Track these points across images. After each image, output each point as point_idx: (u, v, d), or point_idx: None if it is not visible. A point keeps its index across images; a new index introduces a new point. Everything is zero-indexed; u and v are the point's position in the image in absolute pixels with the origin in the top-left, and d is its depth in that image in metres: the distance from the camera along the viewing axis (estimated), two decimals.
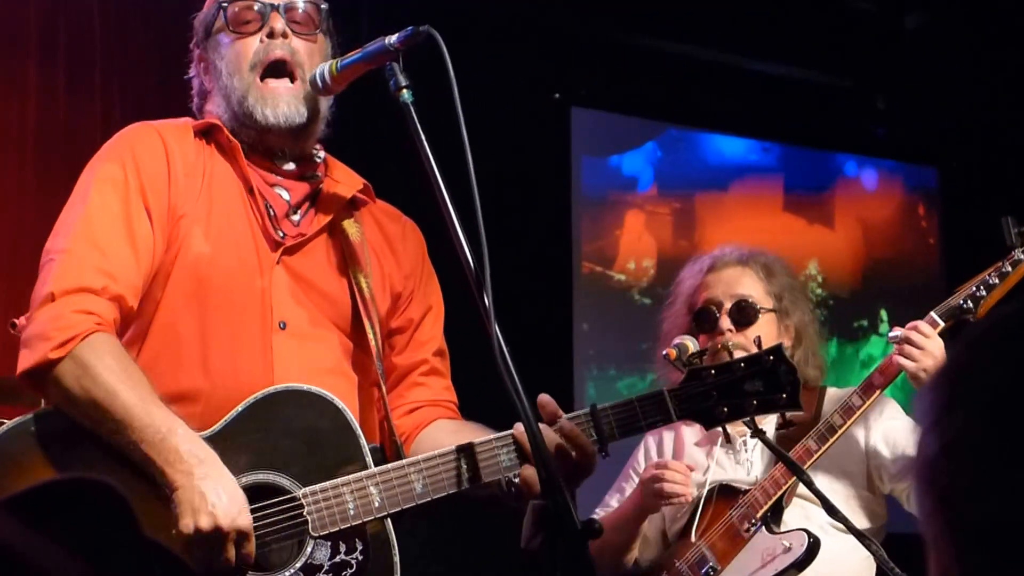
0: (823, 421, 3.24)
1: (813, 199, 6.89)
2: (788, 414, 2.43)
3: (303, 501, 2.26)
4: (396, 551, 2.31)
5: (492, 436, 2.33)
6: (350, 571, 2.28)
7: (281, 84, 2.45)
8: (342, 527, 2.27)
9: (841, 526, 3.06)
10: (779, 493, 3.23)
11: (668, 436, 3.53)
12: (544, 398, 2.29)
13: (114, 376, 2.22)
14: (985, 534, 1.01)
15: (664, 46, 6.22)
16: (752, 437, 3.05)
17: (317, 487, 2.27)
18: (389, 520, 2.31)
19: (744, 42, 6.28)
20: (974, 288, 3.18)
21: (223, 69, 2.47)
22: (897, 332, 3.18)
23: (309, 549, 2.27)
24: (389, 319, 2.55)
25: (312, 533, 2.26)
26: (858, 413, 3.22)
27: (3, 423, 2.32)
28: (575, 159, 6.26)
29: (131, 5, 4.98)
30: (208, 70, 2.53)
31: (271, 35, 2.45)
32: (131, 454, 2.21)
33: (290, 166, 2.52)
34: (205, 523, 2.15)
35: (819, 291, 6.64)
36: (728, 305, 3.35)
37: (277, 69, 2.46)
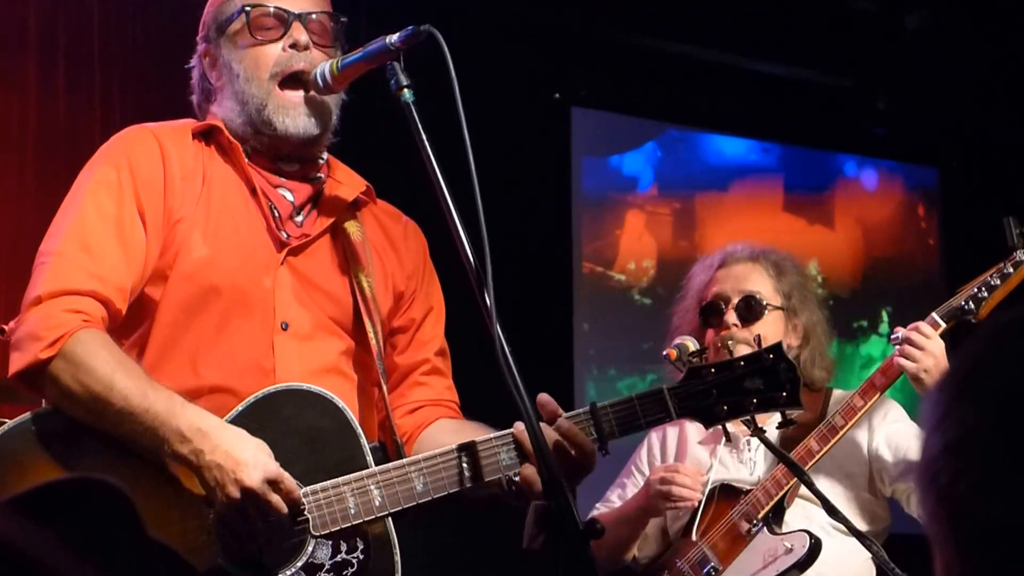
0: (825, 422, 3.24)
1: (813, 199, 6.89)
2: (788, 412, 2.43)
3: (304, 500, 2.26)
4: (397, 550, 2.31)
5: (492, 435, 2.33)
6: (351, 570, 2.28)
7: (298, 95, 2.45)
8: (343, 526, 2.27)
9: (842, 527, 3.06)
10: (781, 494, 3.23)
11: (672, 434, 3.53)
12: (544, 397, 2.29)
13: (108, 367, 2.23)
14: (987, 534, 1.01)
15: (664, 46, 6.22)
16: (754, 434, 3.05)
17: (318, 486, 2.27)
18: (390, 519, 2.31)
19: (744, 42, 6.28)
20: (975, 289, 3.18)
21: (240, 73, 2.46)
22: (898, 333, 3.19)
23: (310, 548, 2.27)
24: (391, 319, 2.56)
25: (313, 532, 2.26)
26: (859, 414, 3.22)
27: (4, 422, 2.32)
28: (575, 159, 6.27)
29: (131, 5, 4.98)
30: (216, 66, 2.52)
31: (294, 46, 2.45)
32: (136, 442, 2.22)
33: (293, 167, 2.52)
34: (235, 491, 2.17)
35: (819, 291, 6.62)
36: (736, 300, 3.36)
37: (295, 79, 2.46)
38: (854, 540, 3.01)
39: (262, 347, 2.38)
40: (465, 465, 2.30)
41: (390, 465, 2.31)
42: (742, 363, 2.39)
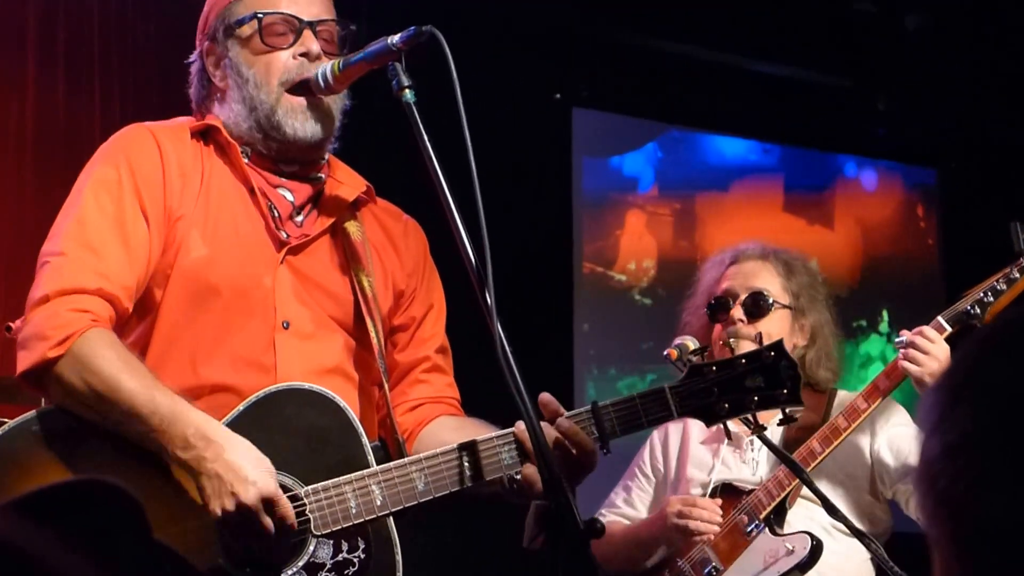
0: (827, 423, 3.24)
1: (813, 199, 6.89)
2: (789, 410, 2.43)
3: (305, 500, 2.27)
4: (398, 549, 2.31)
5: (494, 434, 2.33)
6: (352, 569, 2.28)
7: (306, 99, 2.45)
8: (344, 525, 2.27)
9: (844, 527, 3.06)
10: (783, 494, 3.22)
11: (674, 434, 3.53)
12: (545, 397, 2.29)
13: (114, 367, 2.23)
14: (986, 535, 1.01)
15: (665, 47, 6.23)
16: (753, 433, 3.05)
17: (319, 485, 2.27)
18: (391, 518, 2.31)
19: (744, 43, 6.29)
20: (981, 294, 3.16)
21: (250, 79, 2.45)
22: (903, 337, 3.18)
23: (311, 548, 2.27)
24: (391, 317, 2.56)
25: (314, 532, 2.26)
26: (863, 416, 3.21)
27: (5, 422, 2.32)
28: (576, 160, 6.27)
29: (130, 5, 4.99)
30: (220, 66, 2.51)
31: (305, 55, 2.45)
32: (141, 443, 2.23)
33: (293, 167, 2.52)
34: (230, 504, 2.17)
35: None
36: (743, 296, 3.37)
37: (302, 85, 2.46)
38: (855, 541, 3.01)
39: (263, 346, 2.38)
40: (466, 464, 2.30)
41: (391, 464, 2.31)
42: (743, 361, 2.39)
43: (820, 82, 6.60)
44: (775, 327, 3.27)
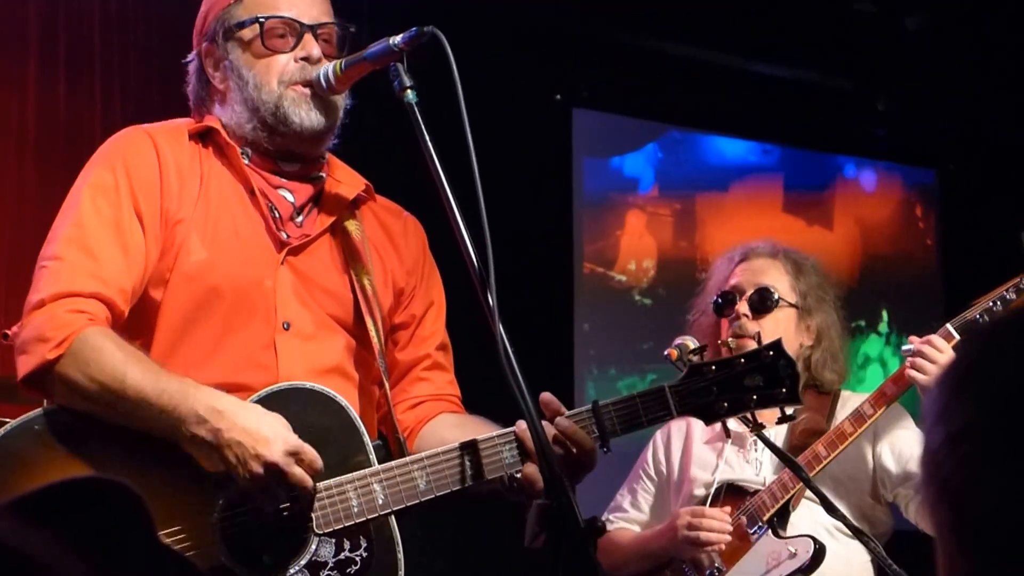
0: (833, 428, 3.24)
1: (812, 200, 6.90)
2: (788, 408, 2.44)
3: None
4: (400, 548, 2.32)
5: (495, 433, 2.34)
6: (354, 568, 2.29)
7: (306, 90, 2.45)
8: (346, 524, 2.27)
9: (845, 529, 3.05)
10: (787, 497, 3.22)
11: (677, 435, 3.53)
12: (547, 396, 2.30)
13: (117, 359, 2.24)
14: (987, 525, 1.01)
15: (665, 48, 6.23)
16: (752, 431, 3.05)
17: (321, 484, 2.27)
18: (393, 517, 2.32)
19: (745, 44, 6.29)
20: (991, 303, 3.14)
21: (251, 81, 2.46)
22: (911, 345, 3.17)
23: (314, 546, 2.27)
24: (392, 315, 2.56)
25: (316, 531, 2.27)
26: (869, 422, 3.21)
27: (6, 422, 2.32)
28: (576, 160, 6.28)
29: (131, 5, 4.99)
30: (220, 68, 2.51)
31: (306, 59, 2.45)
32: (152, 429, 2.23)
33: (294, 167, 2.53)
34: (257, 467, 2.18)
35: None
36: (750, 292, 3.37)
37: (306, 85, 2.46)
38: (856, 543, 3.01)
39: (264, 347, 2.39)
40: (467, 463, 2.31)
41: (393, 463, 2.31)
42: (742, 360, 2.41)
43: (820, 83, 6.61)
44: (780, 325, 3.27)
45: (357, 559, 2.29)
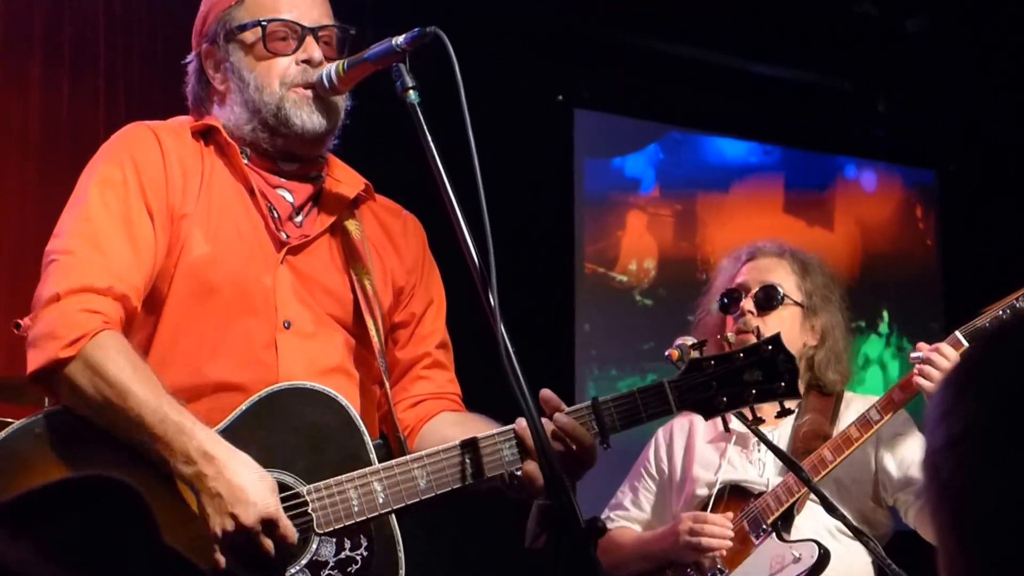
0: (839, 433, 3.24)
1: (813, 200, 6.91)
2: (787, 402, 2.44)
3: (308, 498, 2.27)
4: (401, 546, 2.32)
5: (495, 431, 2.34)
6: (355, 567, 2.29)
7: (308, 92, 2.46)
8: (347, 523, 2.28)
9: (847, 531, 3.05)
10: (791, 500, 3.21)
11: (680, 433, 3.53)
12: (546, 393, 2.31)
13: (125, 375, 2.23)
14: (987, 525, 1.02)
15: (667, 49, 6.24)
16: (749, 427, 3.05)
17: (321, 484, 2.28)
18: (393, 516, 2.32)
19: (746, 45, 6.30)
20: (1000, 311, 3.13)
21: (251, 83, 2.46)
22: (919, 352, 3.17)
23: (314, 546, 2.28)
24: (392, 314, 2.57)
25: (317, 530, 2.27)
26: (875, 428, 3.21)
27: (10, 423, 2.32)
28: (578, 161, 6.28)
29: (135, 6, 5.00)
30: (220, 69, 2.51)
31: (308, 61, 2.46)
32: (146, 452, 2.22)
33: (293, 167, 2.53)
34: (230, 525, 2.17)
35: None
36: (755, 289, 3.38)
37: (308, 87, 2.47)
38: (857, 544, 3.01)
39: (265, 345, 2.39)
40: (467, 461, 2.31)
41: (393, 462, 2.32)
42: (741, 355, 2.41)
43: (820, 84, 6.61)
44: (785, 323, 3.27)
45: (358, 558, 2.29)
